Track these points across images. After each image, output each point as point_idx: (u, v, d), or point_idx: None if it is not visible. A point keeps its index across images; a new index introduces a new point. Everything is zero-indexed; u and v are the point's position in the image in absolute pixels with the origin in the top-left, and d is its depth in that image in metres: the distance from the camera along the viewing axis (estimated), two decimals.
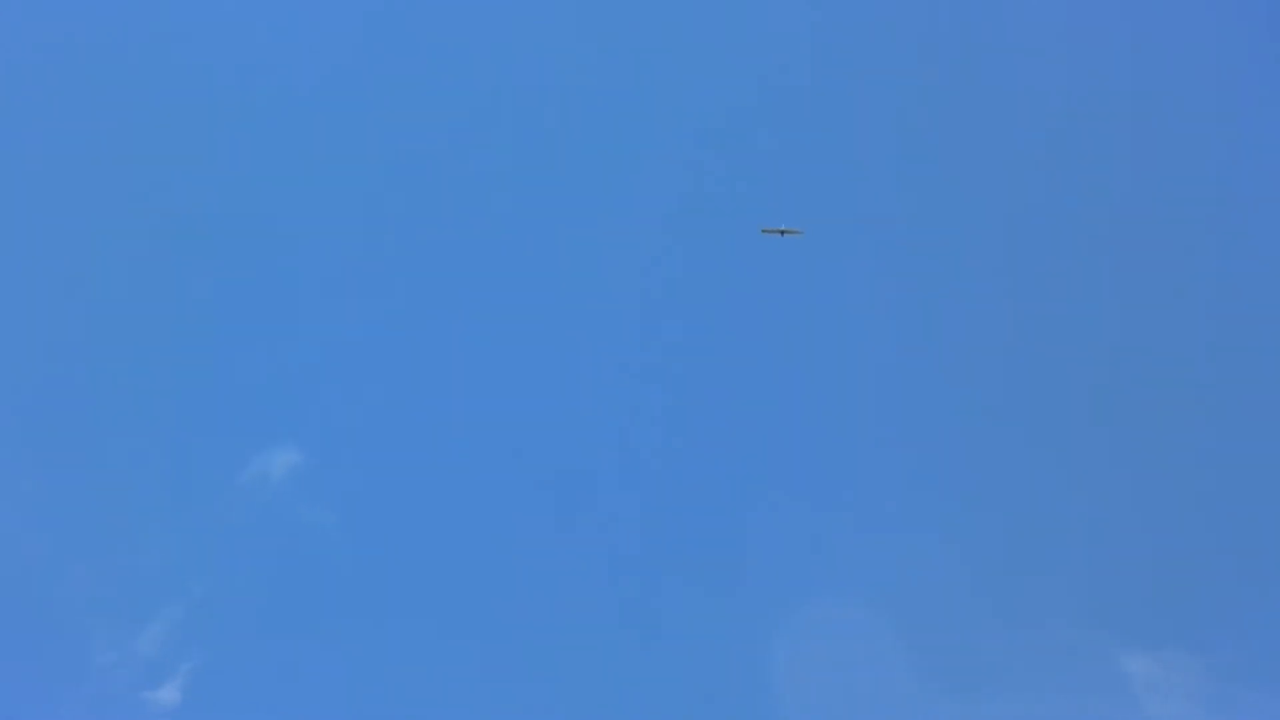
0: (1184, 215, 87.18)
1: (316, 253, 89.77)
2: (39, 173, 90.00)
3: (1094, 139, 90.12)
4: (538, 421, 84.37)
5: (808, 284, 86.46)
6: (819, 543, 79.73)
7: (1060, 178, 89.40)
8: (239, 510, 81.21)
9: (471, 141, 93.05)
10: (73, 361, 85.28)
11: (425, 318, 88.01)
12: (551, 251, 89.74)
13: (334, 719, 76.35)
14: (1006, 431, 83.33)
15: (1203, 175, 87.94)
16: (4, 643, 78.13)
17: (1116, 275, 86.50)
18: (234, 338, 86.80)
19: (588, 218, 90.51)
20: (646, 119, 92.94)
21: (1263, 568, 76.73)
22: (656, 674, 76.57)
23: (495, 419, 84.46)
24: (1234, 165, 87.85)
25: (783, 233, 79.85)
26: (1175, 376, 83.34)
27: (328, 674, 77.05)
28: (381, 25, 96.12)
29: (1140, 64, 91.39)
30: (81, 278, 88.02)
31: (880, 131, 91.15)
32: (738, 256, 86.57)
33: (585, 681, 76.56)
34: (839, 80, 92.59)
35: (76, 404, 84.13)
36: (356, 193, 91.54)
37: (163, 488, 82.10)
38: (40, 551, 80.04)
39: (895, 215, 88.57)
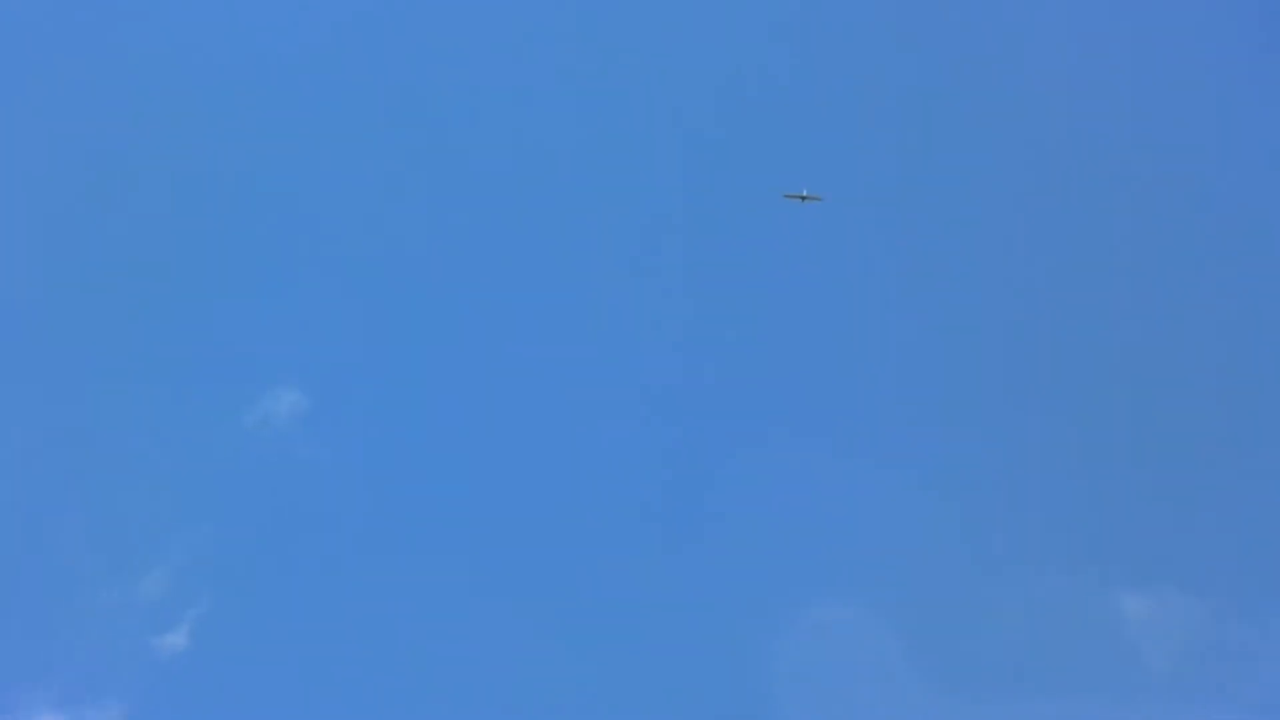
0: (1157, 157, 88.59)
1: (320, 198, 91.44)
2: (51, 121, 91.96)
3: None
4: (541, 368, 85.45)
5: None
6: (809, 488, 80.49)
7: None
8: (244, 452, 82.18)
9: (477, 99, 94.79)
10: (79, 306, 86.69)
11: (425, 264, 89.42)
12: (551, 199, 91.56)
13: (341, 658, 76.88)
14: (999, 369, 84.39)
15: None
16: (5, 589, 78.89)
17: (1114, 229, 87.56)
18: (238, 282, 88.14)
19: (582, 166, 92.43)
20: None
21: (1260, 504, 76.93)
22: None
23: (497, 363, 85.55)
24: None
25: (804, 198, 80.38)
26: (1166, 315, 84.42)
27: (335, 613, 77.74)
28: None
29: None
30: (89, 225, 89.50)
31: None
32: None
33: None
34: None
35: (81, 348, 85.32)
36: (362, 145, 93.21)
37: (166, 431, 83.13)
38: (42, 495, 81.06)
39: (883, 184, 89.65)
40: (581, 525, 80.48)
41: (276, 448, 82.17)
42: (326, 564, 79.04)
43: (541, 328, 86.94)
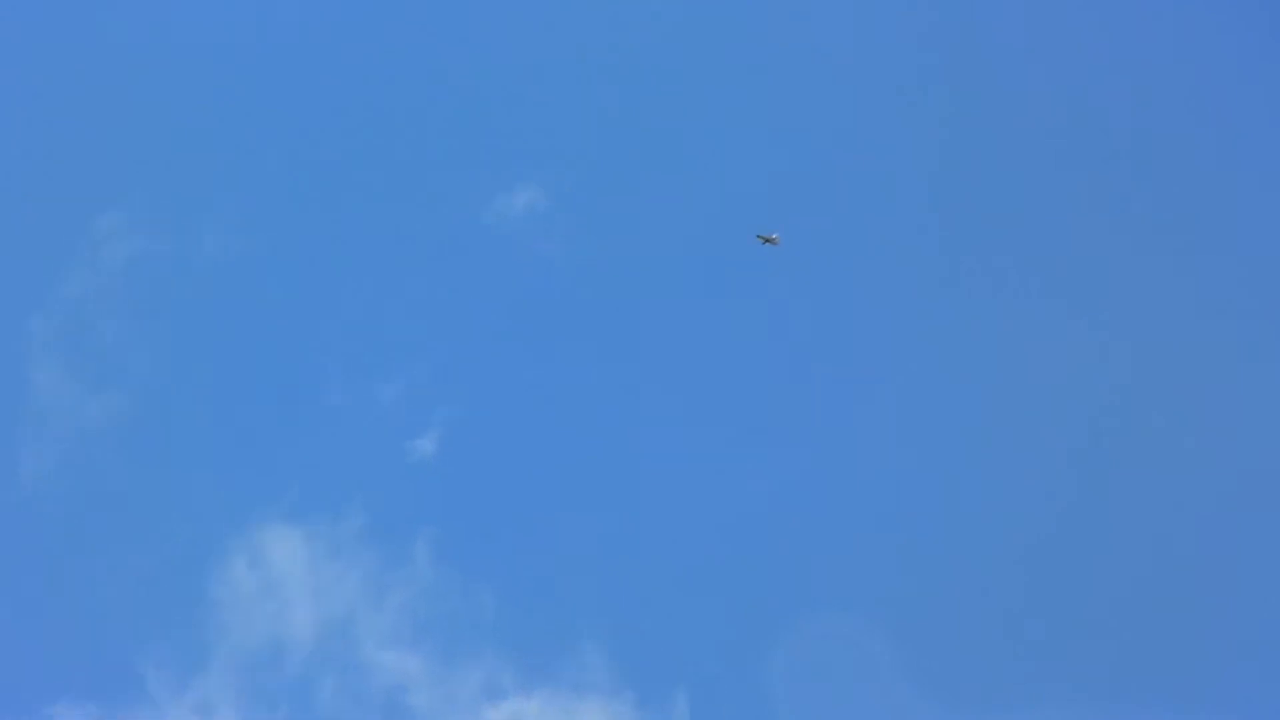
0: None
1: None
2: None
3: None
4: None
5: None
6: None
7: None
8: (482, 249, 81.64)
9: None
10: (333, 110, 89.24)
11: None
12: None
13: (584, 454, 78.07)
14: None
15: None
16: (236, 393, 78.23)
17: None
18: (478, 87, 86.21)
19: None
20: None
21: None
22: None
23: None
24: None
25: (767, 240, 79.79)
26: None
27: (574, 403, 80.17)
28: None
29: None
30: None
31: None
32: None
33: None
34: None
35: (325, 162, 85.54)
36: None
37: (404, 232, 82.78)
38: (275, 299, 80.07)
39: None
40: None
41: (514, 244, 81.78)
42: (566, 358, 79.68)
43: None
